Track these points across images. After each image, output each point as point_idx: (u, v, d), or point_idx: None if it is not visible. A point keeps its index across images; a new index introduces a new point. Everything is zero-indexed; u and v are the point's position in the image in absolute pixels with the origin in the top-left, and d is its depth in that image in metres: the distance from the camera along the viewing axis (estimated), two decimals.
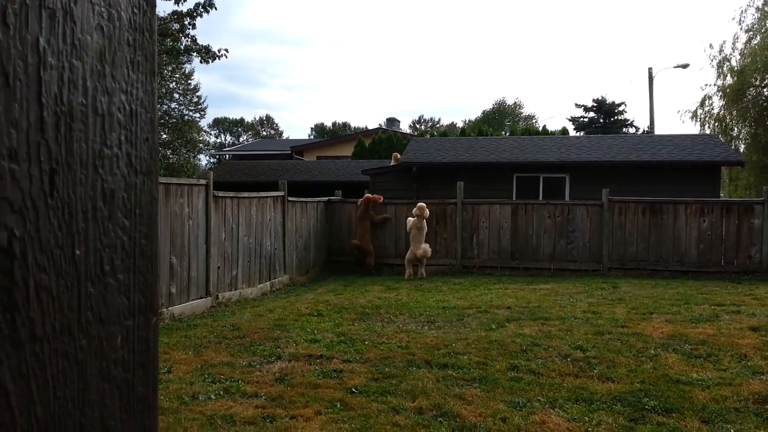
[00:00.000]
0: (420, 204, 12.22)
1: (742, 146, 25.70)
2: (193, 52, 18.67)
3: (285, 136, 71.70)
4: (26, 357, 0.47)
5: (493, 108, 64.57)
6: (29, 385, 0.47)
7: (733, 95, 24.96)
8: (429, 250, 11.98)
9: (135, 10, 0.60)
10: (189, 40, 18.13)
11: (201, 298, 8.45)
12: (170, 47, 19.48)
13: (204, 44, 18.05)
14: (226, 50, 18.28)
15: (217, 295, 8.85)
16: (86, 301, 0.54)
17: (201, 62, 18.25)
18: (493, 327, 6.89)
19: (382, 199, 12.99)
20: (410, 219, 12.33)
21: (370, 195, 13.01)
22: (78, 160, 0.53)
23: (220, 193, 9.06)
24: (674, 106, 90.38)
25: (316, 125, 71.48)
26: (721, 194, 16.70)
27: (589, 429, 3.88)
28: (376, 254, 13.17)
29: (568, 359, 5.50)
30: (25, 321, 0.47)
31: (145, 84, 0.62)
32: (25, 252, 0.47)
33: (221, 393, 4.58)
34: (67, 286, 0.52)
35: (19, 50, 0.47)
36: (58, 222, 0.51)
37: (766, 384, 4.72)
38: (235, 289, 9.44)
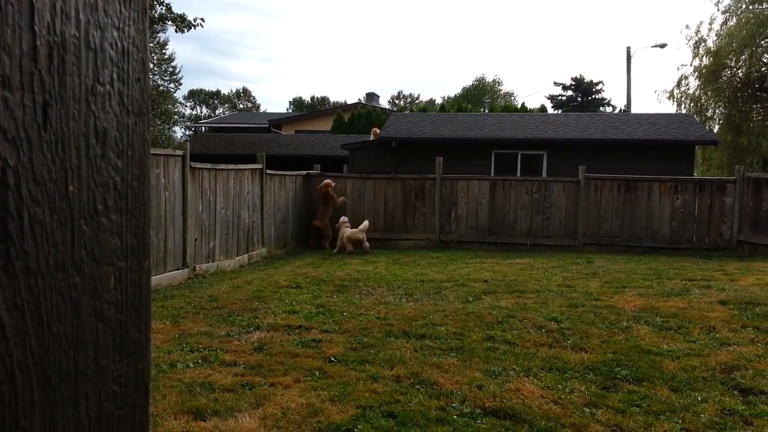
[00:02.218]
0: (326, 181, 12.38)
1: (717, 126, 26.09)
2: (168, 20, 18.24)
3: (262, 109, 70.90)
4: (20, 289, 0.47)
5: (473, 85, 64.49)
6: (24, 318, 0.47)
7: (708, 76, 25.23)
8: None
9: None
10: (164, 8, 17.71)
11: (178, 269, 8.40)
12: None
13: (179, 13, 17.66)
14: (202, 19, 17.95)
15: (194, 267, 8.79)
16: (80, 238, 0.53)
17: (176, 31, 17.88)
18: (470, 299, 6.98)
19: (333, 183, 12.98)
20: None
21: (329, 181, 12.89)
22: (71, 94, 0.52)
23: (198, 165, 8.94)
24: (651, 85, 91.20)
25: (294, 99, 70.66)
26: (695, 173, 16.99)
27: (563, 396, 3.98)
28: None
29: (543, 330, 5.60)
30: (19, 253, 0.47)
31: (137, 22, 0.61)
32: (19, 183, 0.47)
33: (200, 361, 4.58)
34: (61, 221, 0.51)
35: None
36: (51, 155, 0.50)
37: (732, 354, 4.87)
38: (213, 261, 9.39)
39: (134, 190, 0.61)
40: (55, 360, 0.50)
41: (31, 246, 0.48)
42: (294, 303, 6.70)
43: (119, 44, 0.58)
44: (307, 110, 55.56)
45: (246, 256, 10.48)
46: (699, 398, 3.99)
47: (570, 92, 43.28)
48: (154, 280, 7.71)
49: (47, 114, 0.49)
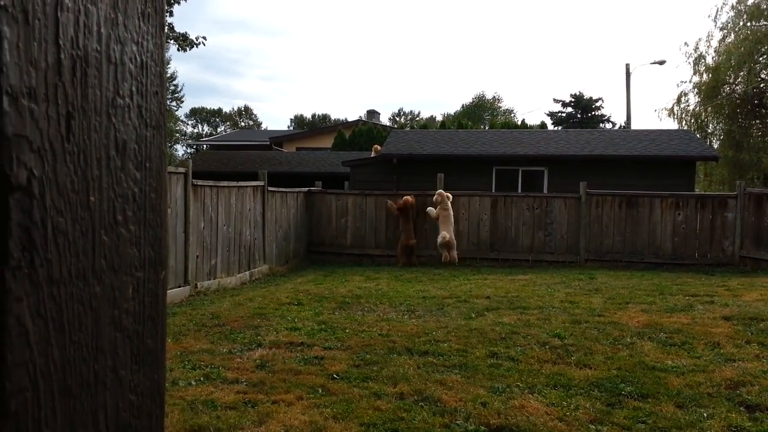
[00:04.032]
0: (439, 191, 12.33)
1: (717, 142, 26.18)
2: (170, 39, 18.40)
3: (264, 127, 71.18)
4: (44, 298, 0.47)
5: (473, 102, 64.78)
6: (47, 326, 0.48)
7: (708, 92, 25.37)
8: (449, 236, 12.17)
9: None
10: (166, 27, 17.89)
11: (179, 287, 8.39)
12: None
13: (181, 32, 17.84)
14: (204, 38, 18.09)
15: (196, 284, 8.78)
16: (100, 248, 0.54)
17: (178, 50, 18.02)
18: (473, 316, 6.95)
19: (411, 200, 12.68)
20: (431, 209, 12.44)
21: (410, 197, 12.64)
22: (93, 106, 0.53)
23: (200, 182, 8.97)
24: (651, 102, 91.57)
25: (295, 116, 70.96)
26: (696, 189, 17.02)
27: (568, 413, 3.95)
28: (357, 245, 13.24)
29: (547, 347, 5.58)
30: (43, 262, 0.47)
31: (155, 37, 0.62)
32: (44, 193, 0.47)
33: (202, 379, 4.56)
34: (83, 231, 0.52)
35: None
36: (74, 167, 0.51)
37: (737, 370, 4.84)
38: (214, 279, 9.38)
39: (152, 202, 0.62)
40: (75, 369, 0.51)
41: (54, 255, 0.48)
42: (296, 320, 6.68)
43: (138, 58, 0.59)
44: (308, 128, 55.81)
45: (247, 273, 10.47)
46: (705, 414, 3.96)
47: (570, 109, 43.50)
48: None
49: (70, 125, 0.50)
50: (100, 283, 0.54)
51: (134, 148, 0.59)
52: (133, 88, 0.59)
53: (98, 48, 0.54)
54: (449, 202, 12.32)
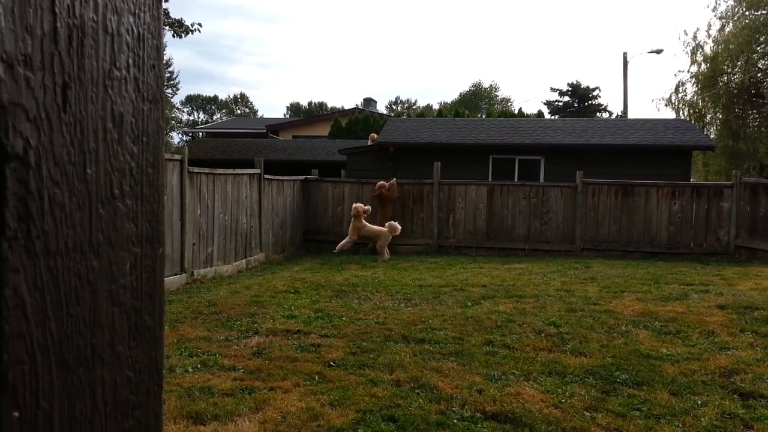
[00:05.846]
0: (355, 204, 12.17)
1: (715, 132, 26.18)
2: (165, 25, 18.25)
3: (260, 114, 70.80)
4: (41, 270, 0.47)
5: (470, 90, 64.59)
6: (44, 298, 0.47)
7: (705, 82, 25.35)
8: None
9: None
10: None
11: (176, 274, 8.38)
12: None
13: (177, 18, 17.70)
14: (200, 24, 17.95)
15: (192, 272, 8.77)
16: (97, 222, 0.53)
17: (173, 36, 17.87)
18: (469, 304, 6.97)
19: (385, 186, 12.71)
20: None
21: (383, 182, 12.59)
22: (89, 77, 0.52)
23: (196, 169, 8.93)
24: (648, 91, 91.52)
25: (291, 104, 70.70)
26: (692, 178, 17.05)
27: (563, 400, 3.97)
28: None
29: (542, 335, 5.60)
30: (39, 233, 0.47)
31: (152, 9, 0.61)
32: (40, 163, 0.47)
33: (198, 366, 4.57)
34: (79, 204, 0.51)
35: None
36: (70, 138, 0.50)
37: (731, 359, 4.87)
38: (211, 266, 9.37)
39: (149, 177, 0.61)
40: (73, 343, 0.50)
41: (50, 227, 0.48)
42: (292, 308, 6.69)
43: (135, 30, 0.58)
44: (304, 116, 55.58)
45: (244, 261, 10.46)
46: (699, 402, 3.99)
47: (567, 98, 43.50)
48: None
49: (66, 96, 0.49)
50: (98, 257, 0.53)
51: (131, 121, 0.58)
52: (130, 60, 0.58)
53: (95, 18, 0.53)
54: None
